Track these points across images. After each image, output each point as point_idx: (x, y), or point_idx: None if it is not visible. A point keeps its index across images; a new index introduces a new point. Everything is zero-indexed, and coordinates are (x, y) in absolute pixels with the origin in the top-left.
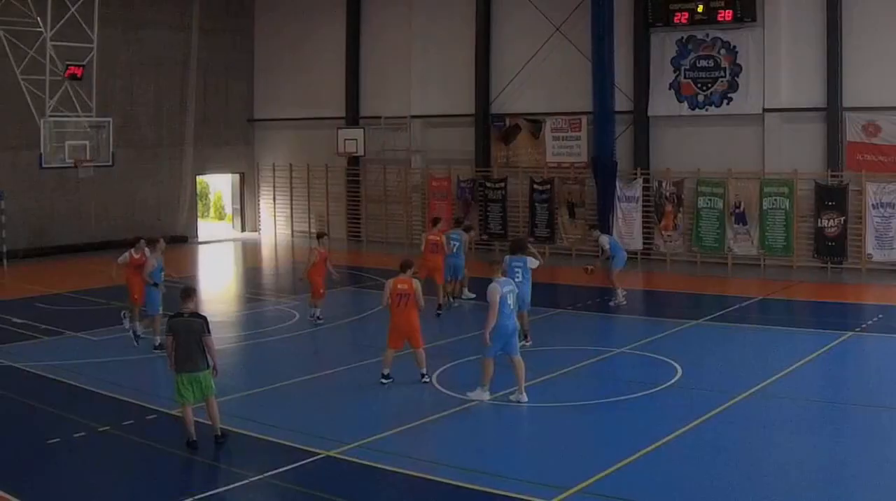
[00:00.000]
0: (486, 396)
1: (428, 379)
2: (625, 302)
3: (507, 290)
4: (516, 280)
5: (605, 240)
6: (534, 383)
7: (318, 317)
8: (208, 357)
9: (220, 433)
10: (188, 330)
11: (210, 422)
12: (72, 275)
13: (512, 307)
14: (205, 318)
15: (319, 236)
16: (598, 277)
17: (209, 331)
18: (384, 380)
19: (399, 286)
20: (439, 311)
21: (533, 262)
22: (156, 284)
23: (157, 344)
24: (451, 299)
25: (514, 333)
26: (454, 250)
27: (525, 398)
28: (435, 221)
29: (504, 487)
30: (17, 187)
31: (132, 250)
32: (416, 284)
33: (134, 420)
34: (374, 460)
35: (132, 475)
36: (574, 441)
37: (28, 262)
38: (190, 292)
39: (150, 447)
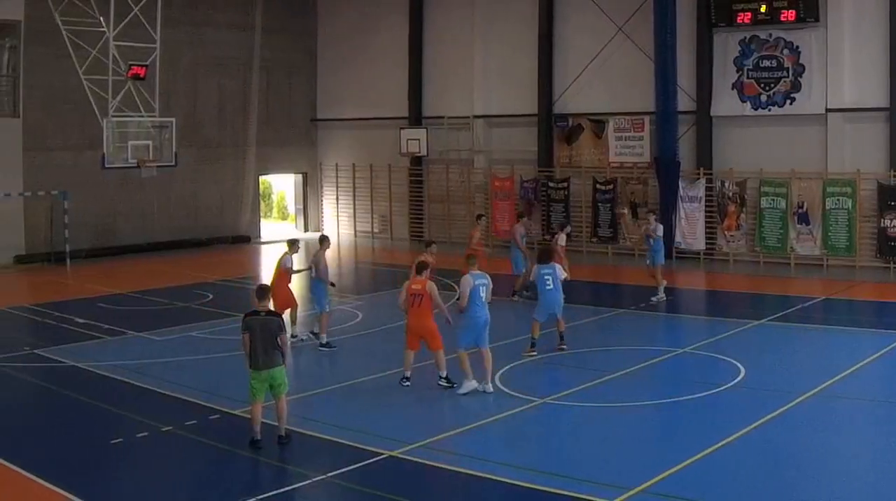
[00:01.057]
0: (473, 384)
1: (447, 383)
2: (665, 299)
3: (479, 283)
4: (547, 287)
5: (660, 229)
6: (597, 383)
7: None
8: (283, 354)
9: (284, 433)
10: (264, 327)
11: (276, 422)
12: (135, 276)
13: (485, 299)
14: (281, 317)
15: (428, 244)
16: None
17: (284, 330)
18: (405, 382)
19: (413, 287)
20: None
21: (561, 272)
22: (332, 283)
23: (322, 341)
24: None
25: (486, 326)
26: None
27: (490, 388)
28: (479, 217)
29: (566, 487)
30: (80, 187)
31: (292, 255)
32: (431, 285)
33: (197, 420)
34: (437, 460)
35: (195, 475)
36: (637, 442)
37: (91, 262)
38: (265, 291)
39: (213, 447)
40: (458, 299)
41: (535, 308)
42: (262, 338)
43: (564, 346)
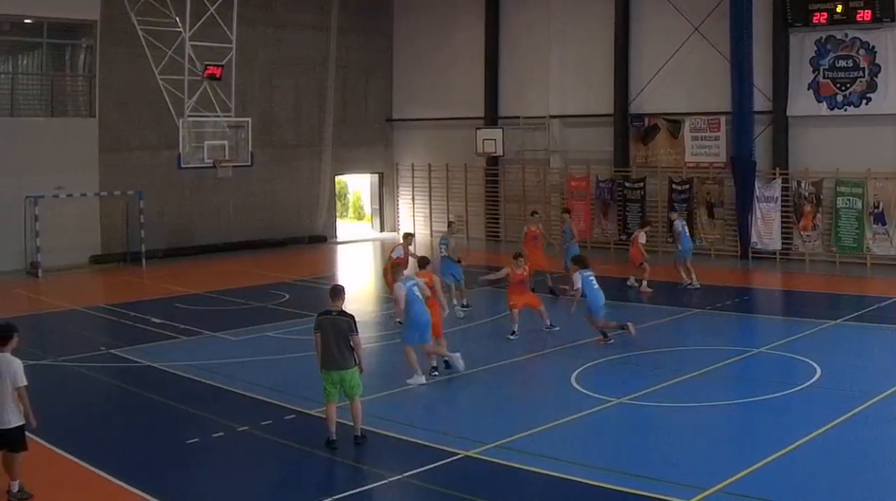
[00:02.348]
0: (421, 379)
1: (437, 374)
2: (697, 286)
3: (409, 285)
4: (594, 287)
5: (679, 225)
6: (672, 383)
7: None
8: (355, 355)
9: (360, 433)
10: (335, 328)
11: (352, 422)
12: (210, 276)
13: (422, 297)
14: (352, 317)
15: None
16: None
17: (356, 330)
18: (434, 373)
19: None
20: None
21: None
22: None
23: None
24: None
25: (428, 324)
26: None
27: (423, 380)
28: (532, 213)
29: (642, 487)
30: (156, 187)
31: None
32: (437, 280)
33: (272, 420)
34: (512, 460)
35: (271, 475)
36: (712, 442)
37: (167, 263)
38: (339, 291)
39: (288, 447)
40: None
41: (589, 308)
42: (335, 339)
43: (610, 341)
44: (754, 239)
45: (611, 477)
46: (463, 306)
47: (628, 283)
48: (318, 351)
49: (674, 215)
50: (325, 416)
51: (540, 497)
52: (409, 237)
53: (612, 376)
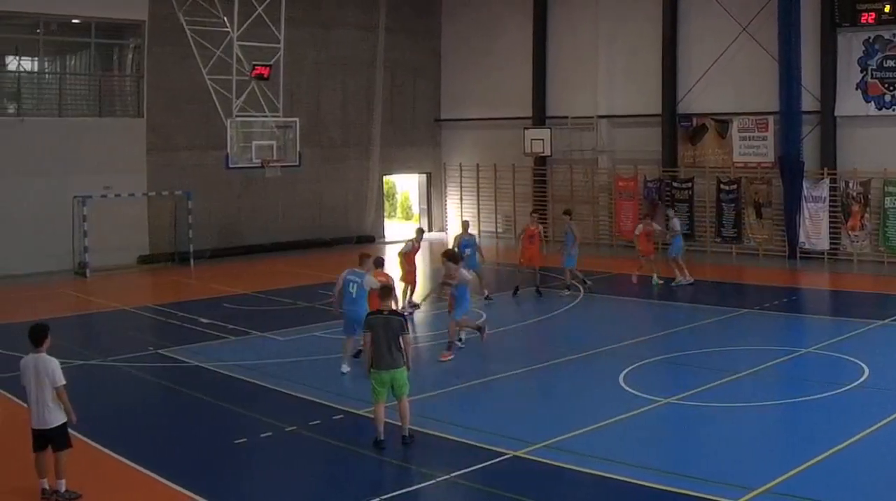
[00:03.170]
0: (345, 368)
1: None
2: (692, 281)
3: (349, 279)
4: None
5: (677, 223)
6: (721, 383)
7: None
8: (404, 354)
9: (408, 434)
10: (387, 327)
11: (400, 423)
12: (258, 276)
13: (354, 296)
14: (403, 316)
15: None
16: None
17: (407, 330)
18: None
19: (380, 279)
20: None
21: None
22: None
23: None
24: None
25: (356, 321)
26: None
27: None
28: (532, 212)
29: (690, 487)
30: (204, 187)
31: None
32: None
33: (321, 419)
34: (561, 460)
35: (319, 475)
36: (761, 441)
37: (215, 263)
38: (389, 290)
39: (336, 447)
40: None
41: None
42: (385, 338)
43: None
44: (802, 239)
45: (659, 477)
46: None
47: (653, 281)
48: (367, 351)
49: (671, 212)
50: (373, 416)
51: (588, 498)
52: (420, 233)
53: (660, 376)
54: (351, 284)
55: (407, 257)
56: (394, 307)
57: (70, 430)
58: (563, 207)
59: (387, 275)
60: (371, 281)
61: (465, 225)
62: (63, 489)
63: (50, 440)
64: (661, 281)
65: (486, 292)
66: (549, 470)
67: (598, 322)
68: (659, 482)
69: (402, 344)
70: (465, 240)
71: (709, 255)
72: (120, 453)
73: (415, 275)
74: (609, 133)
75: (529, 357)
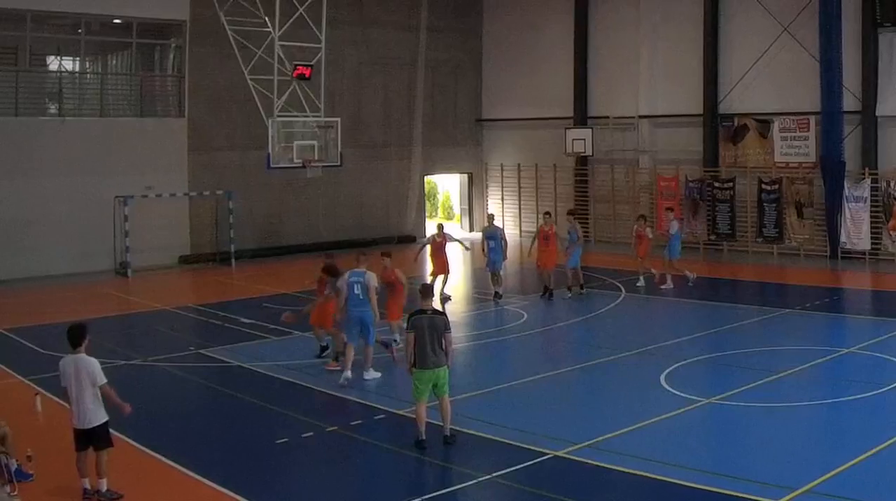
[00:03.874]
0: (347, 375)
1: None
2: (672, 287)
3: (353, 280)
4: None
5: (675, 225)
6: (762, 383)
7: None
8: (447, 353)
9: (449, 433)
10: (432, 326)
11: (441, 422)
12: (299, 275)
13: (360, 297)
14: (446, 315)
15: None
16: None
17: (450, 328)
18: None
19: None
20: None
21: None
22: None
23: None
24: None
25: (359, 322)
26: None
27: (369, 376)
28: (545, 214)
29: (731, 487)
30: (245, 187)
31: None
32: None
33: (362, 419)
34: (602, 460)
35: (360, 475)
36: (802, 442)
37: (256, 263)
38: (429, 289)
39: (378, 447)
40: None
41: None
42: (430, 337)
43: None
44: (843, 239)
45: (700, 477)
46: (496, 295)
47: (663, 287)
48: (409, 351)
49: (671, 214)
50: (415, 416)
51: (629, 498)
52: (440, 227)
53: (701, 376)
54: (356, 285)
55: (433, 251)
56: (433, 306)
57: (111, 430)
58: (604, 207)
59: (394, 271)
60: (372, 278)
61: (490, 217)
62: (104, 488)
63: (92, 439)
64: (643, 284)
65: (497, 290)
66: (590, 470)
67: (639, 322)
68: (700, 482)
69: (444, 343)
70: (489, 232)
71: (750, 255)
72: (161, 453)
73: (444, 267)
74: (650, 133)
75: (570, 357)
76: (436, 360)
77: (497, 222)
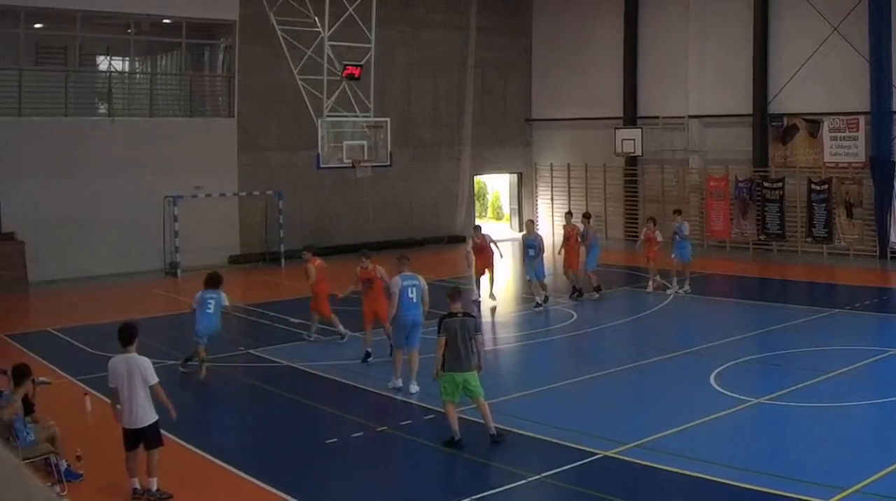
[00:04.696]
0: (397, 383)
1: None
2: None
3: (407, 284)
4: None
5: (685, 228)
6: (811, 383)
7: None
8: (478, 356)
9: (495, 432)
10: (464, 328)
11: (484, 422)
12: (349, 275)
13: (415, 300)
14: (475, 317)
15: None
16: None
17: (480, 331)
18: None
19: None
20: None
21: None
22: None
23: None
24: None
25: (415, 326)
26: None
27: (413, 389)
28: (567, 214)
29: (780, 487)
30: (295, 187)
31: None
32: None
33: (412, 420)
34: (651, 460)
35: (410, 475)
36: (851, 442)
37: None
38: (459, 292)
39: (427, 447)
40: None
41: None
42: (463, 340)
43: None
44: (893, 238)
45: (749, 477)
46: (537, 304)
47: (668, 292)
48: (441, 354)
49: (679, 218)
50: (448, 417)
51: (678, 498)
52: (477, 229)
53: (751, 376)
54: (410, 289)
55: (476, 252)
56: (462, 308)
57: (161, 430)
58: (654, 207)
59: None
60: (424, 282)
61: (529, 224)
62: (155, 487)
63: (142, 438)
64: (669, 290)
65: (539, 300)
66: (639, 470)
67: (689, 322)
68: (749, 481)
69: (475, 344)
70: (528, 240)
71: (800, 255)
72: (211, 453)
73: (488, 264)
74: (700, 133)
75: (620, 357)
76: (467, 363)
77: (539, 227)
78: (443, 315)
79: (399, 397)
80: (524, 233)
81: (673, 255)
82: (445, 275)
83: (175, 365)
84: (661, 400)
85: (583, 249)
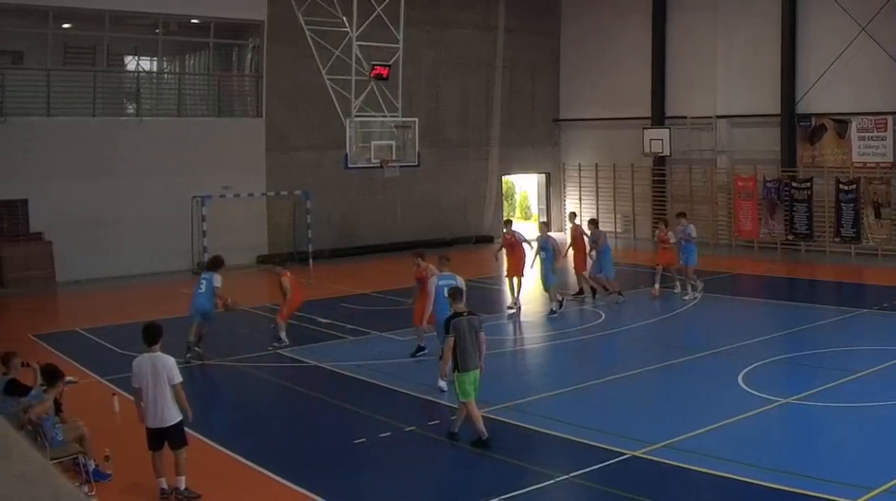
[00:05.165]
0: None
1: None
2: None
3: (443, 283)
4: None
5: (692, 230)
6: (840, 383)
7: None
8: (480, 354)
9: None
10: (471, 327)
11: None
12: (377, 276)
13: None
14: (478, 315)
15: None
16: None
17: (482, 328)
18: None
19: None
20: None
21: None
22: None
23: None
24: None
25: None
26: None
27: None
28: (571, 215)
29: (808, 487)
30: (323, 187)
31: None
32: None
33: (440, 419)
34: (679, 460)
35: (438, 475)
36: (880, 441)
37: (333, 262)
38: (461, 292)
39: (455, 447)
40: None
41: None
42: (471, 338)
43: None
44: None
45: (778, 477)
46: (551, 311)
47: (685, 298)
48: (449, 355)
49: (683, 220)
50: (472, 417)
51: (707, 498)
52: (508, 225)
53: (779, 376)
54: (445, 289)
55: (506, 250)
56: (466, 308)
57: (191, 430)
58: (682, 207)
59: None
60: (461, 281)
61: (543, 226)
62: (183, 486)
63: (167, 437)
64: (686, 296)
65: (552, 306)
66: (667, 470)
67: (717, 322)
68: (778, 481)
69: (478, 342)
70: (542, 242)
71: (828, 255)
72: (239, 453)
73: (517, 269)
74: (728, 133)
75: (648, 357)
76: (476, 361)
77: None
78: (449, 316)
79: (427, 397)
80: (538, 235)
81: (680, 259)
82: (474, 276)
83: (200, 365)
84: (688, 400)
85: (593, 255)
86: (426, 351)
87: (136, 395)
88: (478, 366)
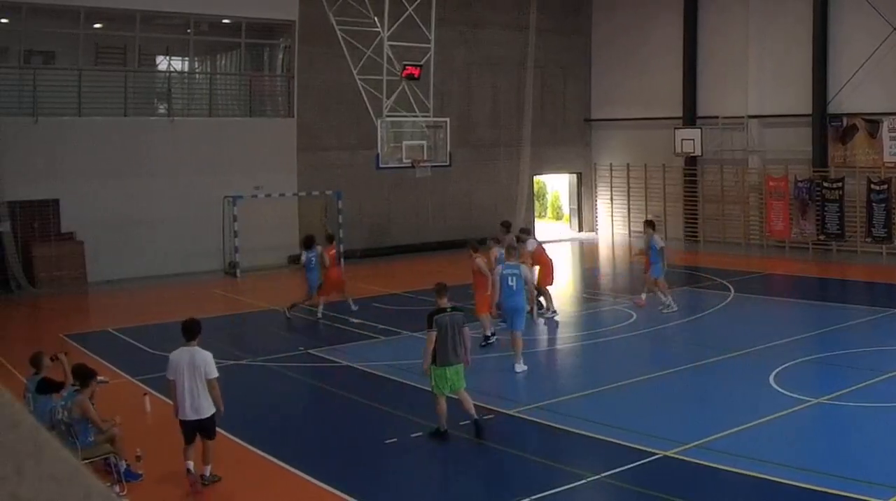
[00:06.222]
0: (523, 368)
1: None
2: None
3: (507, 273)
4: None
5: (656, 240)
6: (871, 383)
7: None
8: (465, 349)
9: (478, 416)
10: (453, 323)
11: (467, 412)
12: (408, 275)
13: (514, 288)
14: (463, 312)
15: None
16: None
17: (466, 325)
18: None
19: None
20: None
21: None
22: None
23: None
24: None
25: (514, 311)
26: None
27: (518, 368)
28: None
29: (840, 487)
30: (354, 187)
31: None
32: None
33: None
34: (711, 460)
35: (469, 475)
36: None
37: (365, 262)
38: (444, 288)
39: (487, 447)
40: None
41: None
42: (452, 334)
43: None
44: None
45: (809, 477)
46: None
47: (664, 311)
48: (430, 349)
49: (650, 230)
50: (438, 408)
51: (739, 498)
52: (525, 232)
53: (810, 376)
54: (510, 277)
55: (534, 259)
56: (449, 303)
57: (222, 430)
58: (713, 208)
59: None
60: (527, 271)
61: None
62: (209, 473)
63: (201, 429)
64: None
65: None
66: (699, 470)
67: (748, 322)
68: (809, 481)
69: (462, 338)
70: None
71: (859, 255)
72: (271, 452)
73: (546, 277)
74: (759, 133)
75: (679, 357)
76: (455, 358)
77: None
78: (432, 310)
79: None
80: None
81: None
82: None
83: (233, 365)
84: (720, 400)
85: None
86: (496, 338)
87: (169, 387)
88: (455, 362)
